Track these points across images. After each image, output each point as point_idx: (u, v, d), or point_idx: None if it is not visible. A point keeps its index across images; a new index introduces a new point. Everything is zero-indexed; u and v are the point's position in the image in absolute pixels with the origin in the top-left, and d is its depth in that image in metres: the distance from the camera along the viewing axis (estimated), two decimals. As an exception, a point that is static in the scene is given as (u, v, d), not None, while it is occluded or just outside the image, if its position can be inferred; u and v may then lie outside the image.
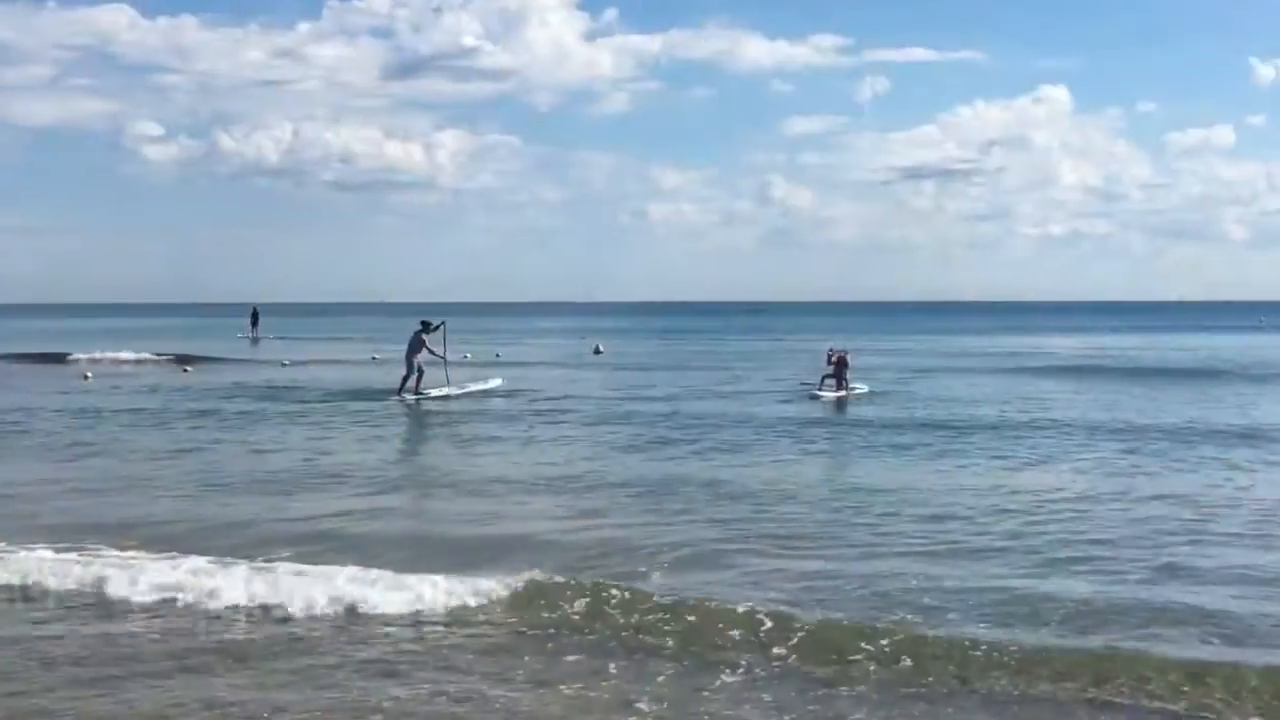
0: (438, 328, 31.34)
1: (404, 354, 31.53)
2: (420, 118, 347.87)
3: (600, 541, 13.21)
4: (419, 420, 26.75)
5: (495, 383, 33.61)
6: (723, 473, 18.14)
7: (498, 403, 29.87)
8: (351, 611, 10.52)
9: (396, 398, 30.53)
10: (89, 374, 39.52)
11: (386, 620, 10.34)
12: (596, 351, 54.25)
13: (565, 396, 31.17)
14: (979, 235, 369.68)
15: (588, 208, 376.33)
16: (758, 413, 27.05)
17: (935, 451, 20.43)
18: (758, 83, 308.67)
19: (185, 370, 42.36)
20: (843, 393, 30.51)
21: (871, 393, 31.43)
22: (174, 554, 12.28)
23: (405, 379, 31.14)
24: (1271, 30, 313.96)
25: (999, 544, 12.88)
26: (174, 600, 10.91)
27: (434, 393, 30.75)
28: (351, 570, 11.31)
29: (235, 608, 10.71)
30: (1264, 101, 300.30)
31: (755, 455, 20.15)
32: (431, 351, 31.09)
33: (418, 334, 31.06)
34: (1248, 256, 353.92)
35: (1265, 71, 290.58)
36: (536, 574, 11.18)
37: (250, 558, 12.10)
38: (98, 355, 49.85)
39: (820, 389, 30.85)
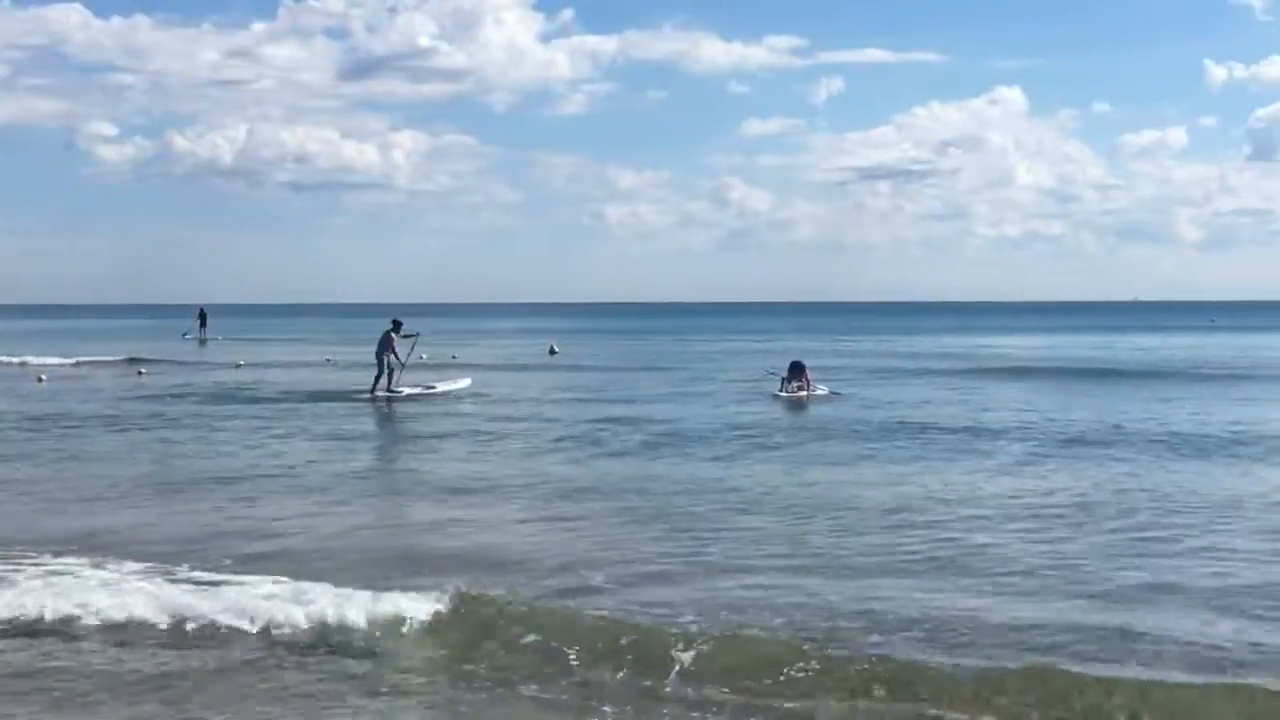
0: (409, 336, 31.48)
1: (374, 354, 31.65)
2: (376, 118, 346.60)
3: (546, 553, 12.79)
4: (374, 422, 26.36)
5: (464, 383, 33.34)
6: (677, 477, 17.83)
7: (451, 405, 29.52)
8: (276, 628, 9.91)
9: (369, 397, 30.44)
10: (43, 377, 38.95)
11: (324, 635, 9.85)
12: (552, 352, 54.00)
13: (519, 399, 30.88)
14: (935, 236, 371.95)
15: (545, 209, 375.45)
16: (716, 414, 26.81)
17: (893, 456, 20.14)
18: (714, 84, 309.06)
19: (140, 373, 41.71)
20: (804, 394, 30.33)
21: (833, 394, 31.27)
22: (108, 559, 11.91)
23: (377, 379, 31.12)
24: (1224, 33, 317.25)
25: (954, 556, 12.46)
26: (80, 619, 10.23)
27: (405, 390, 30.82)
28: (275, 585, 10.79)
29: (148, 626, 10.04)
30: (1216, 104, 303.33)
31: (711, 460, 19.84)
32: (395, 354, 30.94)
33: (388, 333, 31.24)
34: (1200, 257, 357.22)
35: (1218, 74, 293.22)
36: (476, 589, 10.68)
37: (189, 565, 11.71)
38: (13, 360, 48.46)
39: (781, 390, 30.67)
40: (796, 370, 31.31)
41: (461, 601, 10.21)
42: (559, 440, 22.33)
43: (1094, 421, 24.74)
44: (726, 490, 16.57)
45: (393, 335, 31.06)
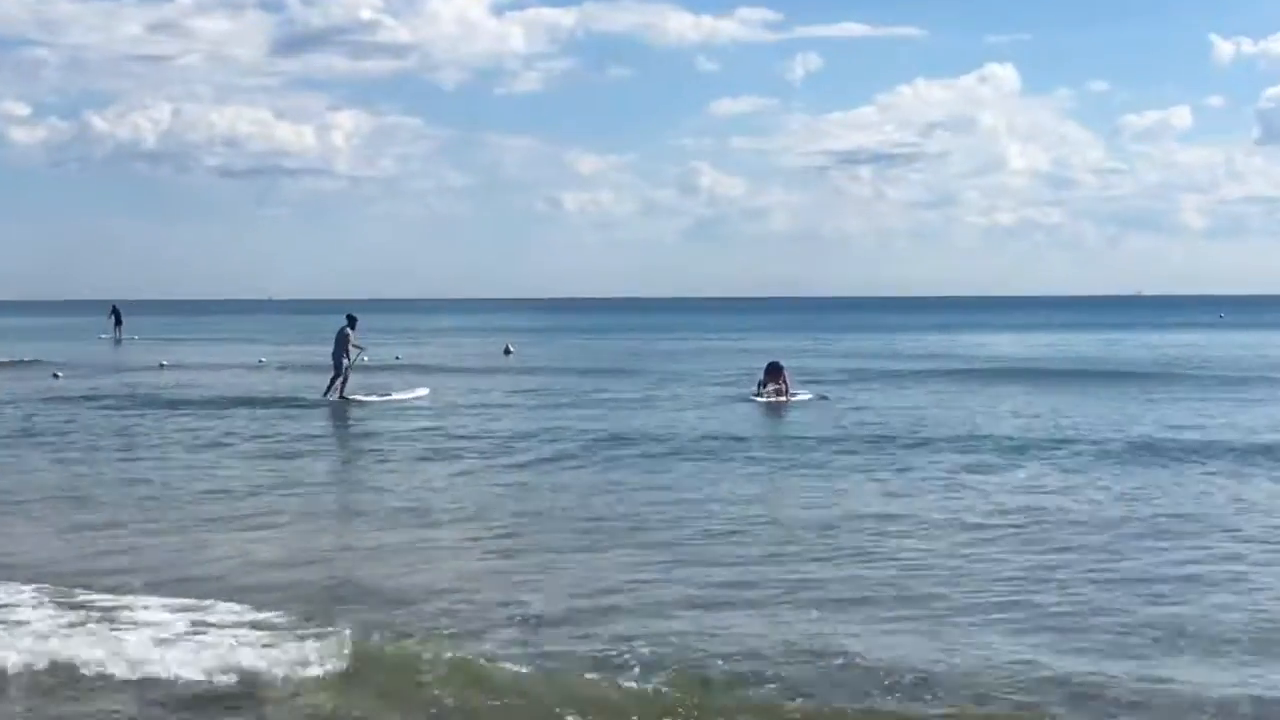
0: (358, 347, 31.76)
1: (330, 354, 31.93)
2: (314, 97, 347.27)
3: (489, 582, 12.32)
4: (311, 432, 25.79)
5: (421, 392, 33.04)
6: (638, 496, 17.51)
7: (396, 412, 29.20)
8: (167, 668, 9.33)
9: (324, 399, 30.82)
10: None
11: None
12: (506, 353, 53.72)
13: (470, 405, 30.65)
14: (922, 224, 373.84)
15: (498, 195, 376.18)
16: (684, 421, 26.55)
17: (881, 470, 19.63)
18: (681, 60, 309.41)
19: (56, 376, 41.11)
20: (782, 398, 30.06)
21: (816, 398, 31.05)
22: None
23: (333, 380, 31.28)
24: (1231, 6, 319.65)
25: (931, 583, 12.11)
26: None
27: (359, 396, 31.07)
28: (181, 612, 10.43)
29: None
30: (1224, 81, 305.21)
31: (678, 475, 19.42)
32: (345, 353, 31.16)
33: (344, 330, 31.52)
34: (1207, 247, 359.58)
35: (1225, 49, 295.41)
36: (406, 621, 10.43)
37: (89, 588, 11.39)
38: None
39: (757, 394, 30.43)
40: (774, 371, 31.05)
41: (383, 639, 9.88)
42: (511, 451, 21.97)
43: (1097, 429, 24.54)
44: (693, 511, 16.19)
45: (349, 332, 31.22)
